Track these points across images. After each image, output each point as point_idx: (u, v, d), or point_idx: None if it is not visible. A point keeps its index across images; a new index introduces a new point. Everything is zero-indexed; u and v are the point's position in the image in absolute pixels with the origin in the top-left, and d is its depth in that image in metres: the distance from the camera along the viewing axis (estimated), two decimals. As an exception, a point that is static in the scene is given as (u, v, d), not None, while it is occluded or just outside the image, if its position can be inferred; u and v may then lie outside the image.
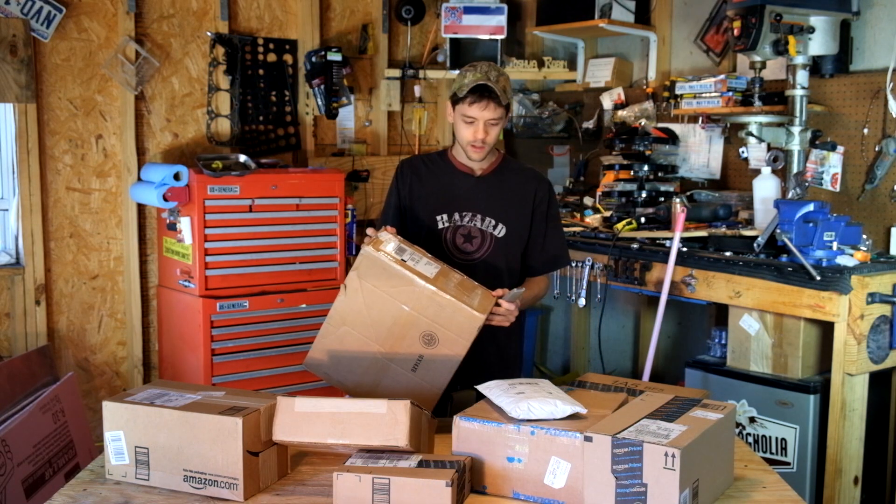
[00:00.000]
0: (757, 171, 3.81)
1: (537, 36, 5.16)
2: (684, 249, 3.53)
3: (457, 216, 2.70)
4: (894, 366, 3.23)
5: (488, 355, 2.63)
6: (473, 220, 2.70)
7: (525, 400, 1.91)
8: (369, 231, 2.45)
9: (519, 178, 2.76)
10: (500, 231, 2.69)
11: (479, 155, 2.66)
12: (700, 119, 4.22)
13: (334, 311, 2.36)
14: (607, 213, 4.11)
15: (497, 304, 2.42)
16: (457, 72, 3.09)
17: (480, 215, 2.69)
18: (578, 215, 4.25)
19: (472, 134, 2.61)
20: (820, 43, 3.53)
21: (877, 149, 3.61)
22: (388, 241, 2.35)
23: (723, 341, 3.60)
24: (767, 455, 3.33)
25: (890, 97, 3.53)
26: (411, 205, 2.76)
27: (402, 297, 2.29)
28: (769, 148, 3.82)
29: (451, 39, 4.74)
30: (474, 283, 2.43)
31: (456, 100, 2.63)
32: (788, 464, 3.29)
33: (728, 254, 3.42)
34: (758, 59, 3.58)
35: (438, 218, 2.70)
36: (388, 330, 2.32)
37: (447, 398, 2.48)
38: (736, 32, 3.50)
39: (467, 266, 2.62)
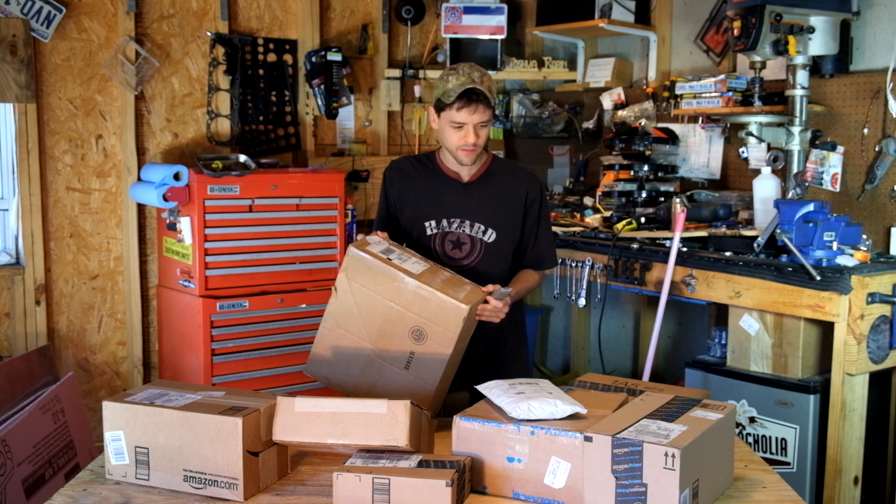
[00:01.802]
0: (757, 171, 3.81)
1: (537, 36, 5.15)
2: (684, 249, 3.53)
3: (445, 222, 2.65)
4: (894, 366, 3.23)
5: (479, 355, 2.62)
6: (462, 226, 2.65)
7: (525, 400, 1.91)
8: (359, 236, 2.46)
9: (509, 179, 2.70)
10: (491, 236, 2.65)
11: (471, 158, 2.59)
12: (700, 119, 4.22)
13: (328, 315, 2.39)
14: (607, 213, 4.11)
15: (485, 301, 2.41)
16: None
17: (469, 221, 2.64)
18: (578, 215, 4.25)
19: (461, 139, 2.54)
20: (820, 43, 3.53)
21: (877, 149, 3.61)
22: (377, 244, 2.37)
23: (723, 341, 3.60)
24: (767, 455, 3.33)
25: (890, 97, 3.53)
26: (401, 208, 2.72)
27: (389, 295, 2.30)
28: (769, 148, 3.82)
29: (451, 39, 4.74)
30: (463, 280, 2.42)
31: (441, 106, 2.55)
32: (788, 464, 3.29)
33: (728, 254, 3.42)
34: (758, 59, 3.57)
35: (427, 224, 2.66)
36: (380, 329, 2.33)
37: None
38: (736, 32, 3.50)
39: (458, 273, 2.58)
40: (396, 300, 2.30)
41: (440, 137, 2.65)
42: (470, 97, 2.49)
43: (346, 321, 2.36)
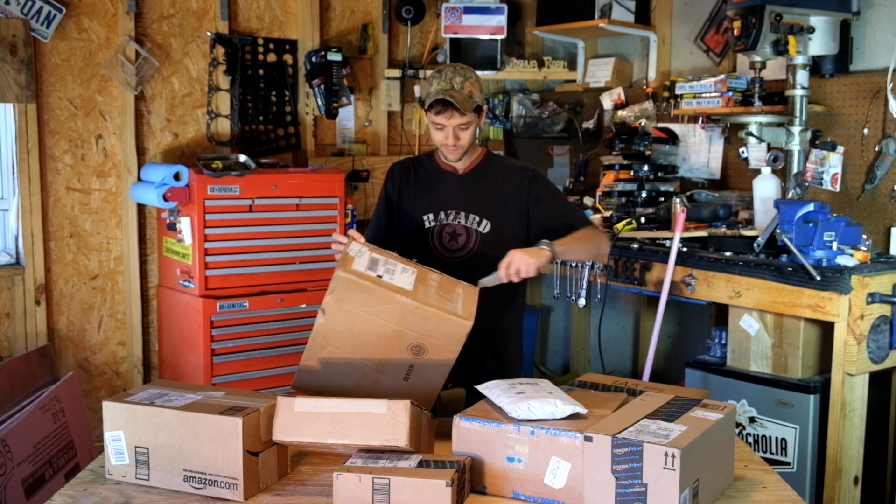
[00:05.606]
0: (757, 171, 3.81)
1: (537, 36, 5.15)
2: (684, 249, 3.53)
3: (442, 215, 2.71)
4: (894, 366, 3.23)
5: (481, 354, 2.62)
6: (457, 217, 2.70)
7: (525, 400, 1.91)
8: (335, 236, 2.43)
9: (504, 174, 2.75)
10: (485, 227, 2.69)
11: (455, 156, 2.70)
12: (700, 119, 4.22)
13: (316, 334, 2.26)
14: (607, 213, 4.11)
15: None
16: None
17: (464, 213, 2.70)
18: (578, 215, 4.24)
19: (443, 138, 2.66)
20: (820, 43, 3.53)
21: (877, 149, 3.61)
22: (359, 256, 2.26)
23: (723, 341, 3.60)
24: (767, 455, 3.33)
25: (890, 97, 3.53)
26: (400, 206, 2.79)
27: (383, 315, 2.21)
28: (769, 148, 3.82)
29: (451, 39, 4.74)
30: (453, 281, 2.37)
31: (424, 107, 2.67)
32: (788, 464, 3.29)
33: (728, 254, 3.42)
34: (758, 59, 3.58)
35: (425, 218, 2.72)
36: (375, 346, 2.25)
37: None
38: (736, 32, 3.50)
39: (455, 264, 2.63)
40: (391, 319, 2.21)
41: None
42: (444, 104, 2.59)
43: (336, 340, 2.25)
